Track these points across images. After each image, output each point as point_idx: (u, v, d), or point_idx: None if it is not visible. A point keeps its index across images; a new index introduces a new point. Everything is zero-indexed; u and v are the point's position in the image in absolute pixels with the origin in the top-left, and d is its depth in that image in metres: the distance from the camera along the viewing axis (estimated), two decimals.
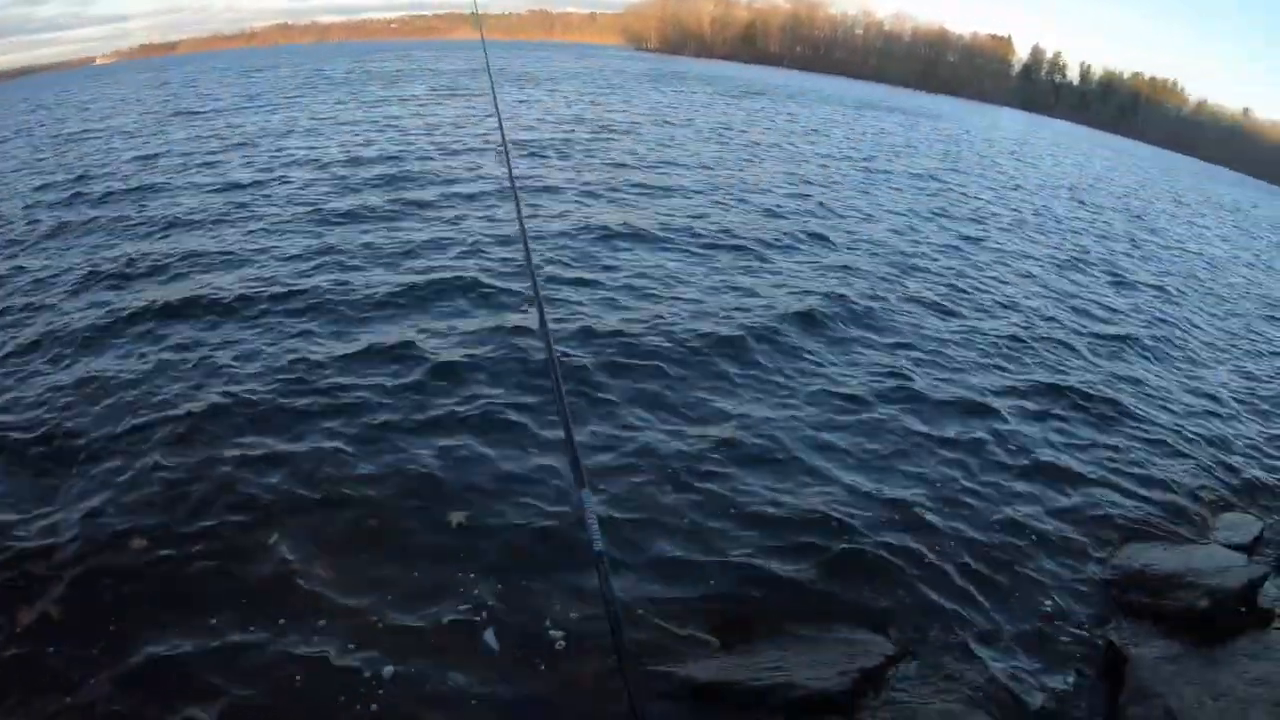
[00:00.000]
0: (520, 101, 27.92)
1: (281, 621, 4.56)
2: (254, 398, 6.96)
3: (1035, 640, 5.15)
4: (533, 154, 17.32)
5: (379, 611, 4.64)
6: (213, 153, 18.35)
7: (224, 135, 20.84)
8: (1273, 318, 14.33)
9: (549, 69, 51.11)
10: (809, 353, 8.36)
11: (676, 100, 32.83)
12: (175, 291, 9.36)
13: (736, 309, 9.07)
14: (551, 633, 4.56)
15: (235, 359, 7.72)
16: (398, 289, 9.39)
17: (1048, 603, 5.47)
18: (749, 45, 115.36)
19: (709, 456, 6.53)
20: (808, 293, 9.83)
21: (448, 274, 9.85)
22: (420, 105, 26.49)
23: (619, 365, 7.89)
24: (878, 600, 5.21)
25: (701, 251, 11.03)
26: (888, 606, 5.15)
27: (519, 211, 4.12)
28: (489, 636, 4.49)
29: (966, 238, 14.55)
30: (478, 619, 4.60)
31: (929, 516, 6.06)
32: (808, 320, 9.04)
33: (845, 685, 4.36)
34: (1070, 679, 4.93)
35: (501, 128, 4.60)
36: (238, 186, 14.61)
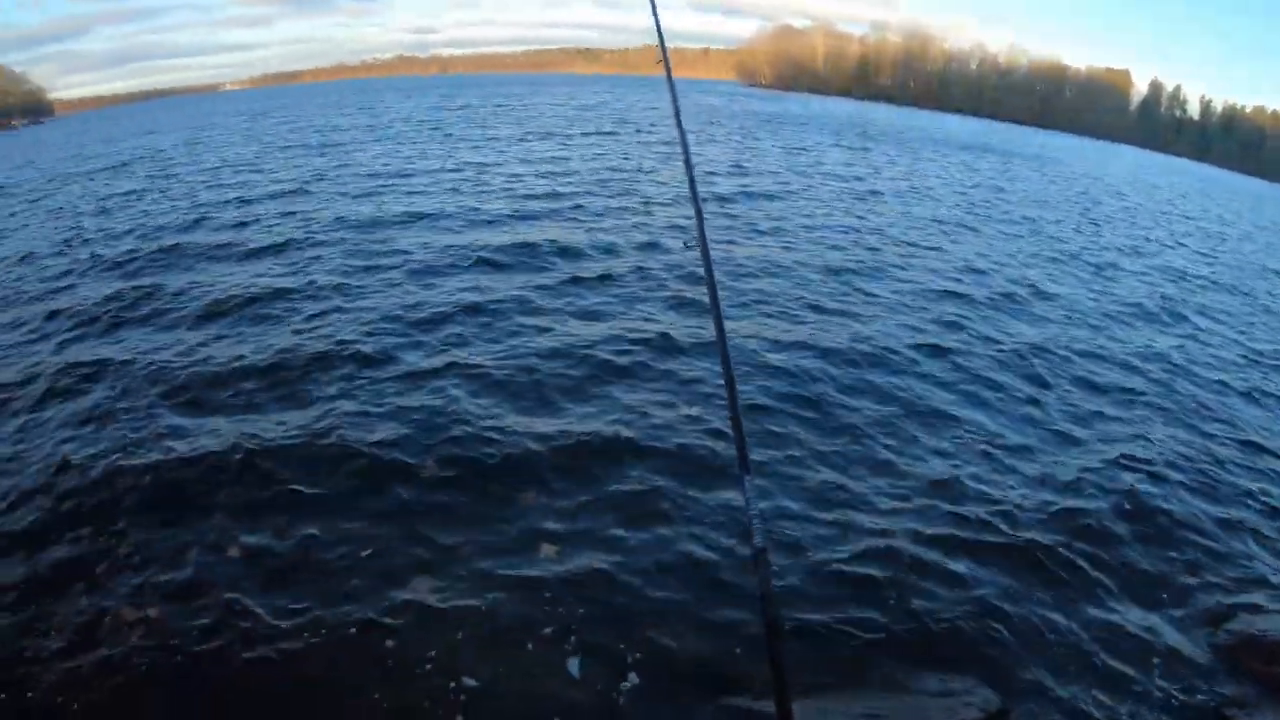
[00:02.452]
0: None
1: (373, 617, 4.78)
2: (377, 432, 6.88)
3: (1143, 705, 4.90)
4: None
5: (469, 623, 4.76)
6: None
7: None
8: None
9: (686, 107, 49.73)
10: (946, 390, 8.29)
11: (803, 146, 31.60)
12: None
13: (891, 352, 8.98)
14: (638, 664, 4.53)
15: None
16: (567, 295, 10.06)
17: (1156, 660, 5.21)
18: (862, 81, 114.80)
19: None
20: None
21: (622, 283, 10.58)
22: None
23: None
24: (977, 647, 5.02)
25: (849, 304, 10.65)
26: (988, 654, 4.98)
27: (697, 206, 3.91)
28: (573, 664, 4.50)
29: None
30: (566, 645, 4.60)
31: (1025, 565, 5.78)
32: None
33: None
34: None
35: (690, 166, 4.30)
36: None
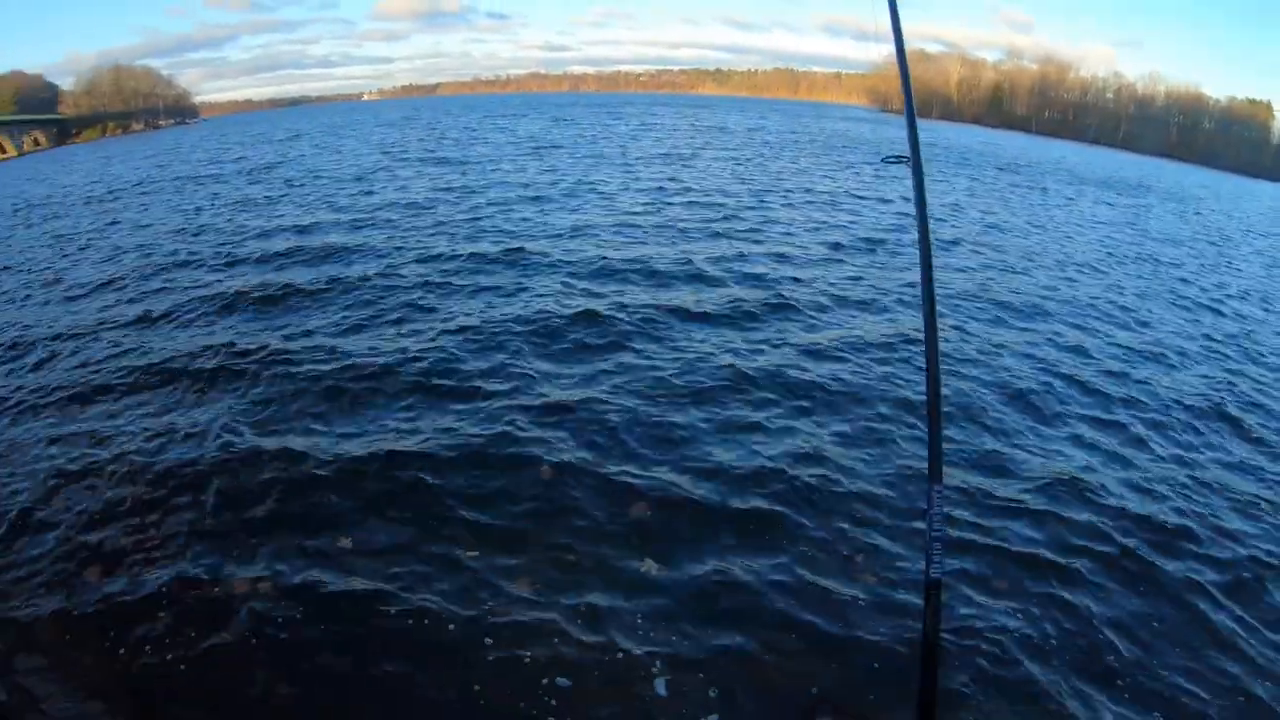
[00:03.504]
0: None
1: (479, 610, 5.05)
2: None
3: None
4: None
5: (570, 625, 4.92)
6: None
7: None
8: None
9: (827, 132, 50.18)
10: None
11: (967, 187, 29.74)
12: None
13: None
14: (732, 695, 4.44)
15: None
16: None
17: None
18: (995, 109, 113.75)
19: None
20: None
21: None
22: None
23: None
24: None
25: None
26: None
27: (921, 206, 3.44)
28: (659, 684, 4.48)
29: None
30: (654, 665, 4.62)
31: None
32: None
33: None
34: None
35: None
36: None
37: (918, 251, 3.23)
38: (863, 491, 6.49)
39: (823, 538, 5.87)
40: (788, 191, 22.70)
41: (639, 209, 18.29)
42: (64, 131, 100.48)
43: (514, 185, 22.02)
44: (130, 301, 12.27)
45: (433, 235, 15.58)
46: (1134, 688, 4.70)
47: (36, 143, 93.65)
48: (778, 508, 6.18)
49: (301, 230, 16.53)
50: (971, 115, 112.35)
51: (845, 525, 6.04)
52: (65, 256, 16.44)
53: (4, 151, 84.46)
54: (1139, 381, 9.69)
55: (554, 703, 4.36)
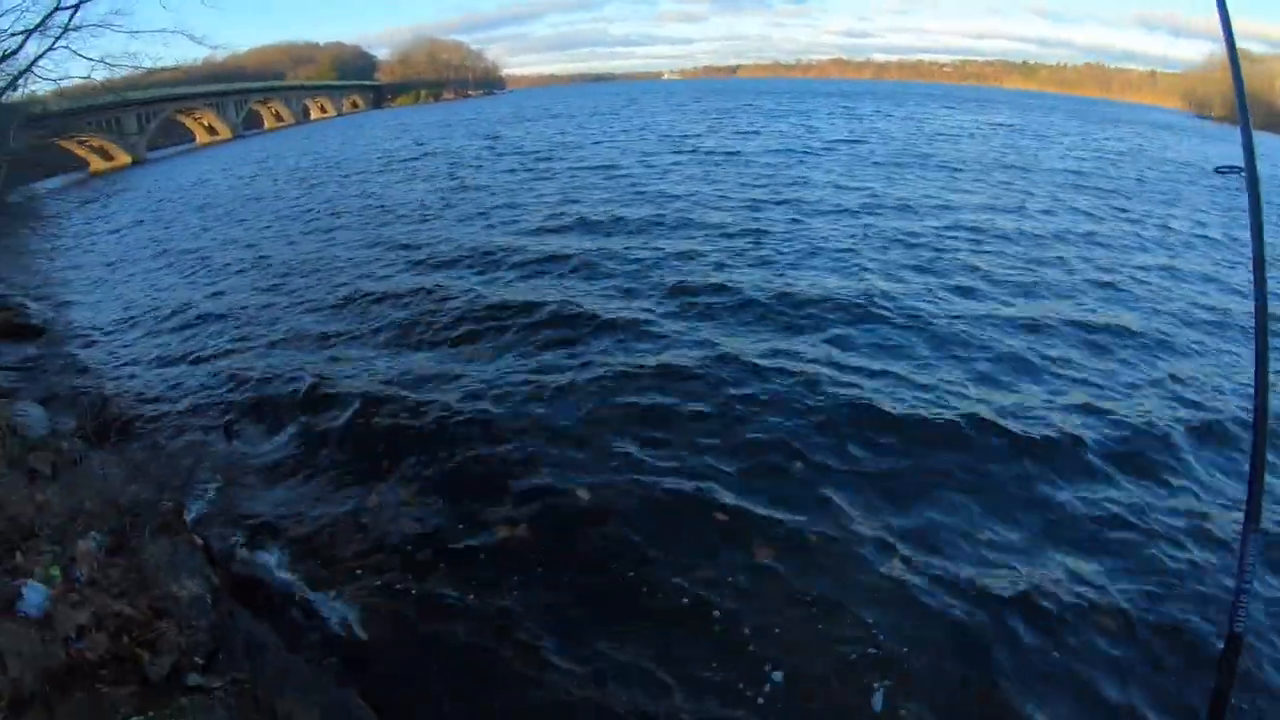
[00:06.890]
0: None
1: (716, 580, 5.35)
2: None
3: None
4: None
5: (795, 627, 5.01)
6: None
7: None
8: None
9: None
10: None
11: None
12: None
13: None
14: None
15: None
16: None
17: None
18: None
19: None
20: None
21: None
22: None
23: None
24: None
25: None
26: None
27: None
28: (877, 698, 4.49)
29: None
30: (879, 681, 4.61)
31: None
32: None
33: None
34: None
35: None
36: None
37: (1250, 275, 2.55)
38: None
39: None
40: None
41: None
42: (379, 96, 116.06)
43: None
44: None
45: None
46: None
47: (355, 105, 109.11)
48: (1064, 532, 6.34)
49: None
50: None
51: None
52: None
53: (325, 111, 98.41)
54: None
55: (767, 687, 4.59)
